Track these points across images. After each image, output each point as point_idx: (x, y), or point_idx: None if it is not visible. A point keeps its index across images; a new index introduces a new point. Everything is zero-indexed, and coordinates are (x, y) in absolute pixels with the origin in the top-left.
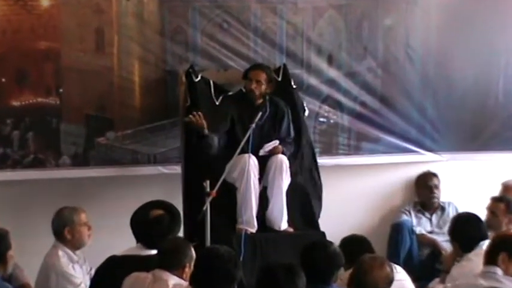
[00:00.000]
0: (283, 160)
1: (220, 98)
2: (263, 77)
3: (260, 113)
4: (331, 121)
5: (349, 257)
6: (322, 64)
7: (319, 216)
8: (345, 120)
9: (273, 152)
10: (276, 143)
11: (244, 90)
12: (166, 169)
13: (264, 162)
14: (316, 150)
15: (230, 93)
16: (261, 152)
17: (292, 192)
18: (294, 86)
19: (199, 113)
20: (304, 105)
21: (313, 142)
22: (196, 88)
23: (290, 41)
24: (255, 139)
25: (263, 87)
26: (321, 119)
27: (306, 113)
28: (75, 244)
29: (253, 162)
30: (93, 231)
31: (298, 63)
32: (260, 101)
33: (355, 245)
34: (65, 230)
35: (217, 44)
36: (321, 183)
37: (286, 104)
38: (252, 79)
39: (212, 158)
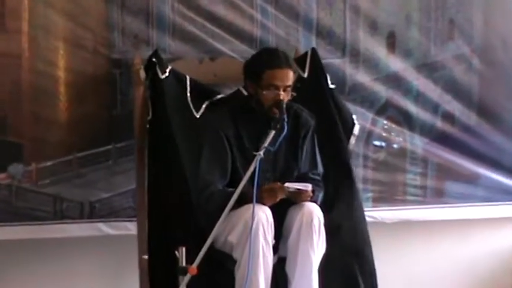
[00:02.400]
0: (313, 213)
1: (204, 106)
2: (292, 78)
3: (273, 132)
4: (394, 146)
5: None
6: (378, 49)
7: None
8: (418, 144)
9: (297, 198)
10: (307, 187)
11: (250, 99)
12: (112, 229)
13: (280, 217)
14: (368, 195)
15: (219, 97)
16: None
17: (327, 266)
18: (332, 86)
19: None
20: (354, 119)
21: (361, 183)
22: (163, 90)
23: (323, 11)
24: (264, 176)
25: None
26: (376, 143)
27: (355, 134)
28: None
29: (265, 216)
30: None
31: (338, 47)
32: (273, 111)
33: None
34: None
35: (200, 15)
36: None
37: (313, 115)
38: (277, 85)
39: (192, 208)
